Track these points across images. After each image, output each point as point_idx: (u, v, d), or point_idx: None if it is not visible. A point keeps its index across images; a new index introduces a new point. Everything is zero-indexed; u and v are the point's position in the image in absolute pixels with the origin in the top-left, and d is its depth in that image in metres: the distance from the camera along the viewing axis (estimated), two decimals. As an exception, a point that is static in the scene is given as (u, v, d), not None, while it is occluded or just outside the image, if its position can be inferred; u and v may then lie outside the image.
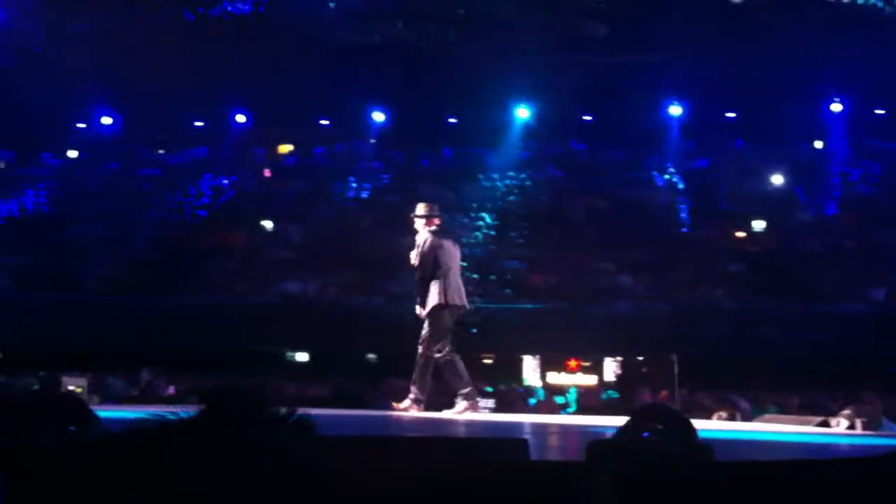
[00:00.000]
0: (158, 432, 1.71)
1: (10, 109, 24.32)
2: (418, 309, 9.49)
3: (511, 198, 23.31)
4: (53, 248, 21.04)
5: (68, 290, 19.60)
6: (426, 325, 9.33)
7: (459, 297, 9.55)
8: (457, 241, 10.26)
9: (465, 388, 9.28)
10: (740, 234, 21.07)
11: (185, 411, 2.13)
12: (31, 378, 13.78)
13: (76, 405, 3.47)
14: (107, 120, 26.20)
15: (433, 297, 9.33)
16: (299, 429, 1.79)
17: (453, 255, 9.68)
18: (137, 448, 1.79)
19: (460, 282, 9.68)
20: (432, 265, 9.40)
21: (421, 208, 9.74)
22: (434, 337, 9.24)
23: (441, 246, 9.56)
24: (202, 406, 1.76)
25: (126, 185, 24.70)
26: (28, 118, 24.13)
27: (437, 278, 9.36)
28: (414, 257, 9.55)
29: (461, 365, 9.33)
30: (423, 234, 9.56)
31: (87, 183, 24.81)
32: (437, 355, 9.23)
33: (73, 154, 26.62)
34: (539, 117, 24.51)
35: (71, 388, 12.79)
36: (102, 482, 2.08)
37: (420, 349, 9.32)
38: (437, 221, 9.77)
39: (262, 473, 1.65)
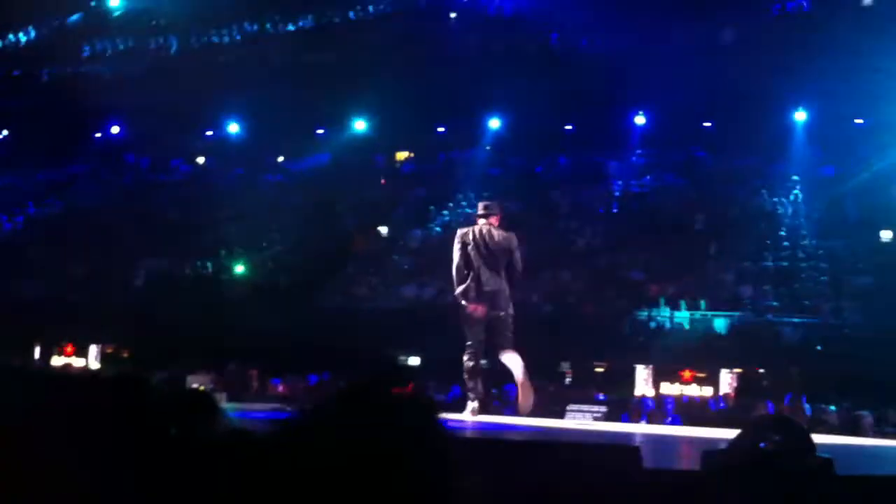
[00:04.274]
0: (292, 430, 1.79)
1: (144, 118, 25.44)
2: (509, 309, 8.60)
3: (631, 205, 23.05)
4: (186, 250, 21.86)
5: (205, 292, 20.34)
6: (509, 323, 8.53)
7: None
8: None
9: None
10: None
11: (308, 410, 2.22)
12: (158, 374, 14.37)
13: (205, 401, 3.59)
14: (234, 127, 27.07)
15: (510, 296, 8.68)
16: (431, 422, 1.83)
17: None
18: (275, 444, 1.87)
19: None
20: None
21: (495, 206, 8.92)
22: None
23: None
24: (337, 402, 1.81)
25: (253, 190, 25.42)
26: (159, 126, 25.18)
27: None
28: (515, 256, 8.74)
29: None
30: (502, 230, 8.73)
31: (215, 187, 25.65)
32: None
33: (201, 160, 27.61)
34: (656, 124, 24.20)
35: (195, 385, 13.29)
36: (236, 478, 2.17)
37: (509, 349, 8.52)
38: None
39: (395, 466, 1.71)
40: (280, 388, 16.75)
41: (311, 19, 25.58)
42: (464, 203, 23.64)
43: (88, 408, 3.16)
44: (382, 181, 26.30)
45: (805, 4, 22.96)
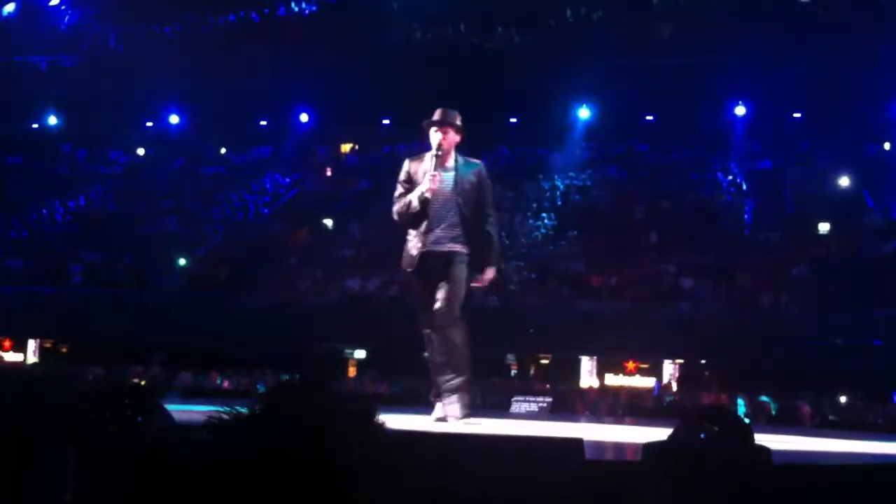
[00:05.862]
0: (227, 424, 1.77)
1: (81, 108, 25.01)
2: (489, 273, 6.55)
3: (572, 198, 23.24)
4: (123, 244, 21.53)
5: (137, 285, 20.07)
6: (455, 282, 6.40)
7: None
8: None
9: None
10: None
11: (248, 405, 2.21)
12: (98, 369, 14.17)
13: (144, 396, 3.55)
14: (174, 119, 26.76)
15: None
16: (368, 424, 1.82)
17: None
18: (206, 439, 1.85)
19: None
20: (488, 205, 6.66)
21: (455, 116, 6.68)
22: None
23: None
24: (267, 398, 1.80)
25: (193, 182, 25.17)
26: (98, 117, 24.78)
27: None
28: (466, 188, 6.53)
29: None
30: (454, 155, 6.63)
31: (154, 180, 25.32)
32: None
33: (141, 151, 27.23)
34: (601, 117, 24.43)
35: (136, 380, 13.12)
36: (170, 473, 2.14)
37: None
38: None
39: (329, 467, 1.70)
40: (221, 383, 16.59)
41: (250, 9, 25.34)
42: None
43: (22, 404, 3.09)
44: (328, 172, 26.19)
45: None
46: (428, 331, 6.42)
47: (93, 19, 25.44)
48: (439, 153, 6.51)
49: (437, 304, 6.33)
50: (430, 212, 6.47)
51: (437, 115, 6.63)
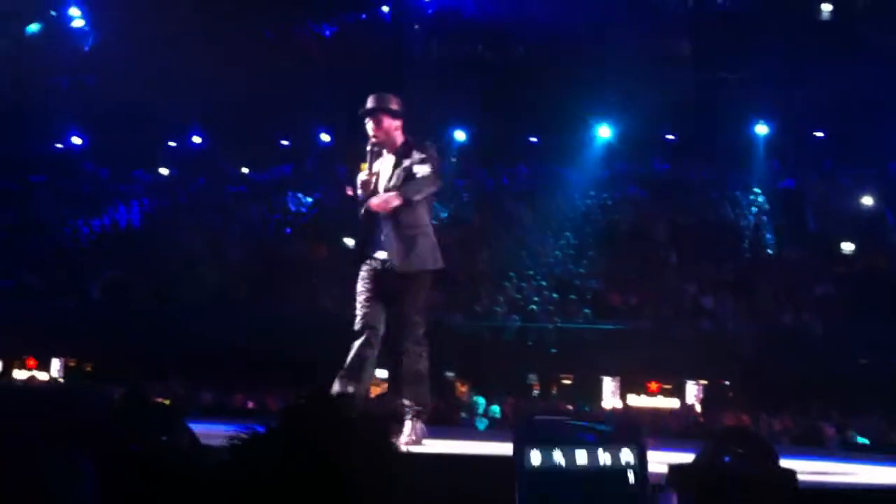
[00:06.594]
0: (249, 444, 1.77)
1: (105, 128, 25.22)
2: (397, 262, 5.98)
3: (593, 216, 23.18)
4: (146, 261, 21.64)
5: (159, 302, 20.13)
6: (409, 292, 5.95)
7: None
8: None
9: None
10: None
11: (268, 424, 2.21)
12: (121, 387, 14.22)
13: (168, 414, 3.56)
14: (196, 138, 26.94)
15: (425, 252, 6.03)
16: (384, 445, 1.82)
17: None
18: (230, 459, 1.85)
19: None
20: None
21: (393, 101, 6.14)
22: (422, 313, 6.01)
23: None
24: (284, 417, 1.81)
25: (215, 200, 25.30)
26: (121, 136, 24.96)
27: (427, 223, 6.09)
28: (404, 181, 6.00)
29: None
30: (400, 141, 6.11)
31: (176, 198, 25.48)
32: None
33: (163, 170, 27.41)
34: (621, 136, 24.38)
35: (159, 398, 13.13)
36: (193, 493, 2.15)
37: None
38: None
39: (343, 489, 1.69)
40: (244, 402, 16.61)
41: (274, 28, 25.53)
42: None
43: (50, 422, 3.11)
44: (348, 192, 26.22)
45: None
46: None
47: (115, 38, 25.68)
48: (375, 148, 6.00)
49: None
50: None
51: (368, 103, 6.06)
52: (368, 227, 6.01)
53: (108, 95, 23.65)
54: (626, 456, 1.75)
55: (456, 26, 25.13)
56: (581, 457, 1.70)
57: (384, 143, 5.90)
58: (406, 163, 5.87)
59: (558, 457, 1.72)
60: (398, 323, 5.86)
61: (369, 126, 5.95)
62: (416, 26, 25.54)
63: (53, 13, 26.75)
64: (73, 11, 26.71)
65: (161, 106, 23.53)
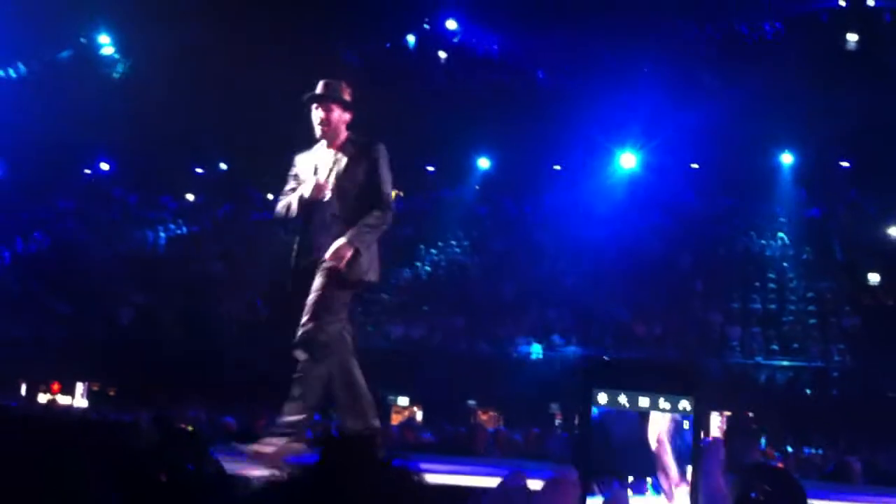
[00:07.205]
0: (284, 483, 1.78)
1: (133, 154, 25.48)
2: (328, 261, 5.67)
3: (617, 245, 23.12)
4: (172, 287, 21.78)
5: (185, 329, 20.23)
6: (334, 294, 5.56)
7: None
8: None
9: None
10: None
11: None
12: (145, 411, 14.24)
13: (194, 443, 3.56)
14: (222, 165, 27.20)
15: (369, 259, 5.64)
16: (403, 476, 1.82)
17: None
18: (255, 491, 1.86)
19: None
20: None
21: (346, 91, 5.68)
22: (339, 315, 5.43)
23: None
24: (320, 451, 1.81)
25: (239, 227, 25.47)
26: (148, 162, 25.23)
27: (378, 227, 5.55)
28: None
29: None
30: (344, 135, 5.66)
31: (203, 224, 25.68)
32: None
33: (190, 196, 27.65)
34: (645, 165, 24.36)
35: (184, 425, 13.13)
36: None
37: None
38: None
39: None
40: (267, 427, 16.58)
41: (302, 57, 25.70)
42: (452, 242, 23.68)
43: (77, 451, 3.13)
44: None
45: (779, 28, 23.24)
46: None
47: (144, 66, 25.99)
48: (323, 137, 5.49)
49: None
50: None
51: (318, 88, 5.54)
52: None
53: (136, 121, 23.90)
54: (685, 405, 2.00)
55: (480, 55, 25.26)
56: (644, 401, 1.98)
57: (327, 136, 5.50)
58: (358, 170, 5.49)
59: (623, 399, 1.99)
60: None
61: (317, 114, 5.50)
62: (442, 55, 25.69)
63: (83, 40, 27.10)
64: (103, 39, 27.07)
65: (188, 132, 23.78)
